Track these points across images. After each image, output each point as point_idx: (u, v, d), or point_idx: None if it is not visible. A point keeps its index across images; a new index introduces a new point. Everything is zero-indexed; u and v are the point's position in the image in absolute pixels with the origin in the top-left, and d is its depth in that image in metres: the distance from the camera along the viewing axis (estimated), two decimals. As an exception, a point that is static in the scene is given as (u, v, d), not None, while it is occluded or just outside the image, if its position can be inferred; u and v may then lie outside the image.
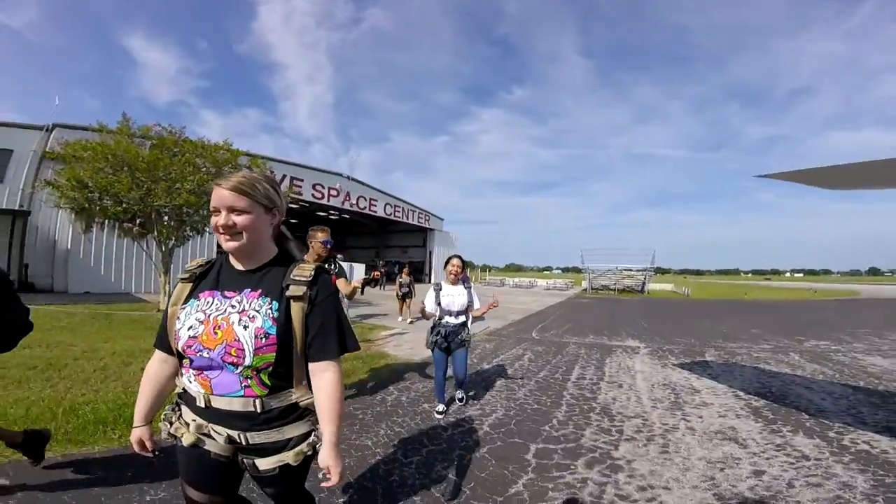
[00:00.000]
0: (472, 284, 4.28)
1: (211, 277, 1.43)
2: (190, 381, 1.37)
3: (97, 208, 9.16)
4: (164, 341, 1.44)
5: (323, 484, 1.38)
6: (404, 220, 31.61)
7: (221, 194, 1.33)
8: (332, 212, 28.50)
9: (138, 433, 1.48)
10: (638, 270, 31.33)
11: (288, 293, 1.35)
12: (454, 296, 4.09)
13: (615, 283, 30.75)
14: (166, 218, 9.73)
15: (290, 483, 1.48)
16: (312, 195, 23.07)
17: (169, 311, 1.40)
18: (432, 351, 4.14)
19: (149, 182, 8.73)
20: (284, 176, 20.41)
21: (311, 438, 1.39)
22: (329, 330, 1.37)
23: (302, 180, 22.00)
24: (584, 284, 32.38)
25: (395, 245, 38.27)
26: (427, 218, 34.13)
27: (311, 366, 1.37)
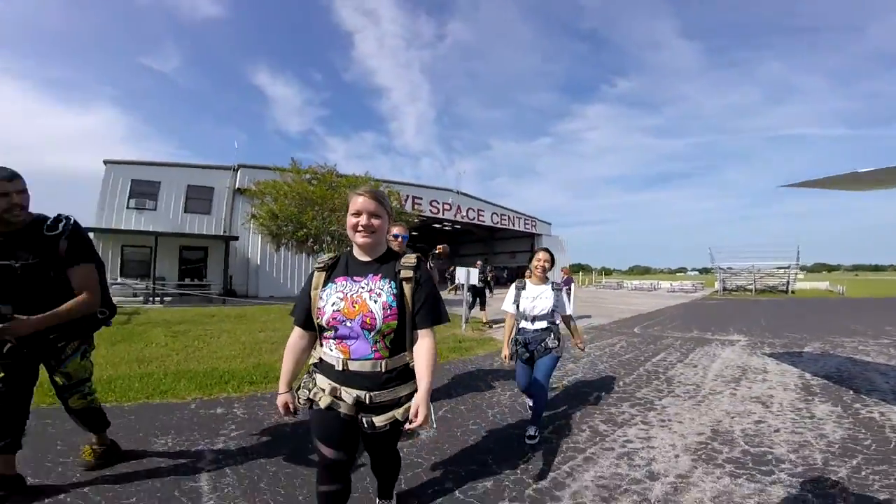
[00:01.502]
0: (572, 287, 4.10)
1: (341, 267, 1.79)
2: (331, 350, 1.73)
3: (284, 233, 12.82)
4: (304, 318, 1.79)
5: (407, 426, 1.66)
6: (510, 226, 33.34)
7: (364, 201, 1.72)
8: (445, 224, 31.56)
9: (284, 398, 1.80)
10: (781, 268, 28.15)
11: (401, 276, 1.74)
12: (537, 297, 3.50)
13: (752, 283, 28.09)
14: (329, 238, 13.09)
15: (392, 438, 1.86)
16: (430, 210, 26.31)
17: (312, 294, 1.76)
18: (515, 363, 3.63)
19: (326, 212, 12.15)
20: (408, 196, 23.80)
21: (414, 400, 1.69)
22: (429, 305, 1.76)
23: (421, 198, 25.48)
24: (717, 286, 30.14)
25: (502, 251, 40.07)
26: (533, 224, 35.31)
27: (415, 333, 1.74)
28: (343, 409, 1.71)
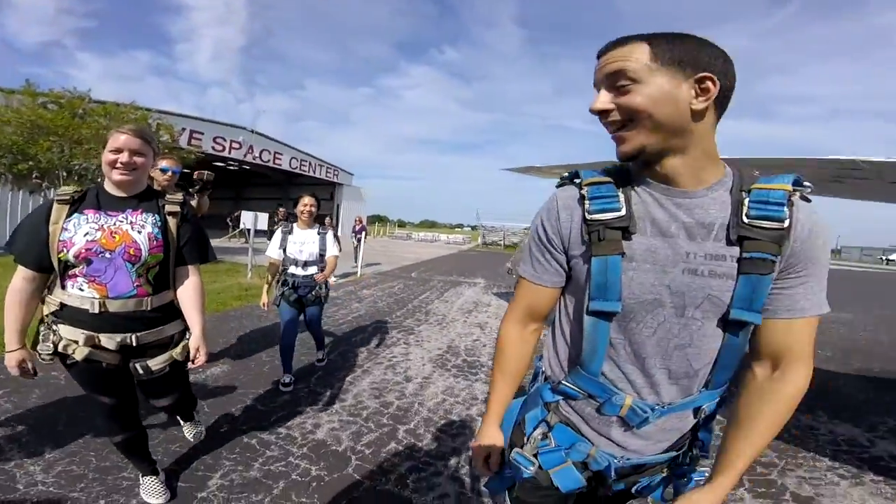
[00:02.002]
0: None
1: (90, 200, 1.62)
2: (81, 290, 1.55)
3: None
4: (33, 257, 1.54)
5: (192, 364, 1.68)
6: (311, 173, 32.59)
7: (127, 138, 1.60)
8: (230, 163, 28.62)
9: (18, 356, 1.56)
10: (524, 228, 36.39)
11: (166, 210, 1.69)
12: (305, 242, 3.59)
13: (502, 239, 35.56)
14: (66, 174, 10.77)
15: (176, 380, 1.82)
16: (212, 147, 23.39)
17: (49, 228, 1.53)
18: (277, 306, 3.63)
19: (68, 144, 9.88)
20: (184, 129, 20.62)
21: (188, 335, 1.71)
22: (194, 241, 1.74)
23: (202, 133, 22.30)
24: (479, 240, 36.94)
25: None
26: (336, 173, 35.34)
27: (180, 269, 1.72)
28: (107, 359, 1.61)
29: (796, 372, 0.87)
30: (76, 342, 1.57)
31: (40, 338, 1.61)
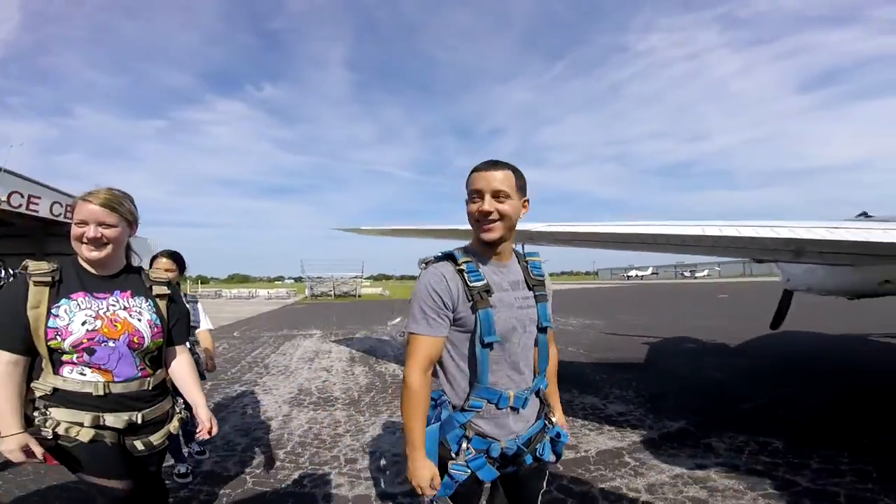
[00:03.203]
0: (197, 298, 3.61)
1: (72, 282, 1.58)
2: (83, 375, 1.55)
3: None
4: (19, 342, 1.49)
5: (207, 435, 1.79)
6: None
7: (91, 209, 1.54)
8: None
9: (21, 440, 1.47)
10: (352, 277, 37.05)
11: (154, 293, 1.73)
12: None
13: (332, 289, 35.40)
14: None
15: (162, 456, 1.82)
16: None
17: (30, 313, 1.48)
18: None
19: None
20: None
21: (178, 409, 1.81)
22: (182, 322, 1.83)
23: None
24: (307, 292, 35.86)
25: (67, 252, 31.49)
26: (119, 221, 30.05)
27: (170, 349, 1.79)
28: (108, 439, 1.58)
29: (555, 347, 1.61)
30: (80, 424, 1.53)
31: (36, 423, 1.52)
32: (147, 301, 1.71)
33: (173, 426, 1.76)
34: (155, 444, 1.68)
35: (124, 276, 1.71)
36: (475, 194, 1.35)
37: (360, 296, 36.17)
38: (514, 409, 1.42)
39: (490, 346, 1.35)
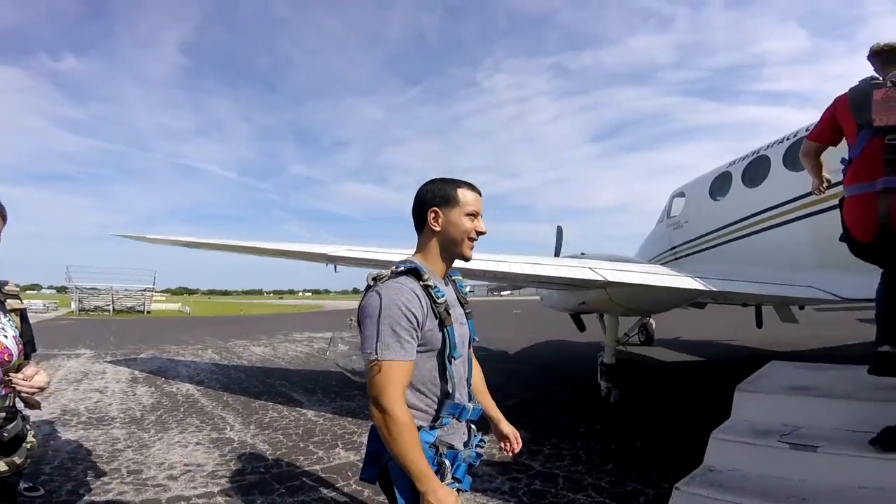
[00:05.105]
0: None
1: None
2: None
3: None
4: None
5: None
6: None
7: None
8: None
9: None
10: (140, 290, 31.72)
11: (9, 307, 1.70)
12: None
13: (111, 304, 29.64)
14: None
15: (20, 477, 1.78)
16: None
17: None
18: None
19: None
20: None
21: (29, 425, 1.73)
22: (31, 337, 1.79)
23: None
24: (73, 305, 29.19)
25: None
26: None
27: (27, 362, 1.73)
28: None
29: (475, 360, 1.64)
30: None
31: None
32: (5, 316, 1.67)
33: (30, 443, 1.72)
34: (18, 462, 1.63)
35: None
36: (473, 214, 1.43)
37: (149, 312, 31.14)
38: (469, 421, 1.48)
39: (456, 360, 1.39)
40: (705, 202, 6.28)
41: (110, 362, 9.22)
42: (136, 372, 8.26)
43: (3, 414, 1.57)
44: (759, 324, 8.46)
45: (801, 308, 6.24)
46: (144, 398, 6.29)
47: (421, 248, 1.46)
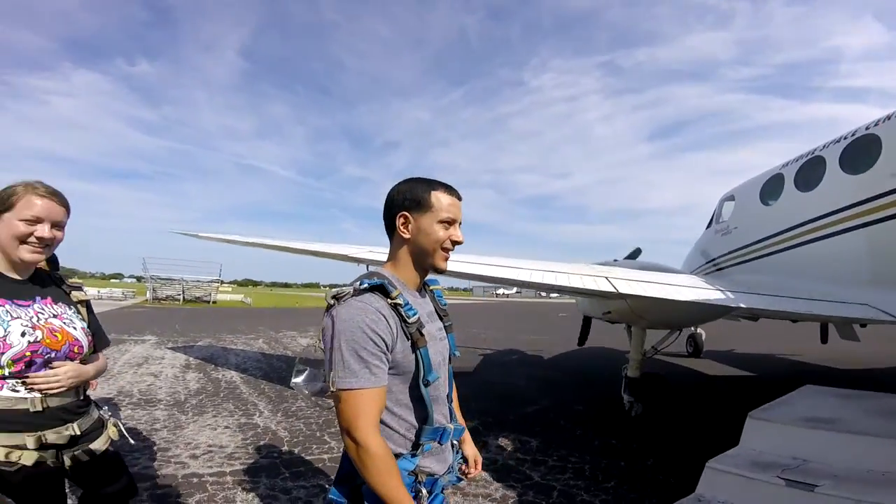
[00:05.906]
0: None
1: None
2: (16, 391, 1.42)
3: None
4: None
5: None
6: None
7: (51, 207, 1.42)
8: None
9: None
10: (208, 282, 34.22)
11: (74, 298, 1.67)
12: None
13: (180, 294, 32.25)
14: None
15: (121, 464, 1.78)
16: None
17: None
18: None
19: None
20: None
21: (107, 414, 1.74)
22: (100, 328, 1.77)
23: None
24: (148, 295, 32.13)
25: None
26: None
27: (93, 356, 1.70)
28: (49, 459, 1.47)
29: None
30: (21, 447, 1.39)
31: None
32: (71, 308, 1.64)
33: (112, 431, 1.70)
34: (99, 449, 1.61)
35: (39, 281, 1.59)
36: (448, 222, 1.29)
37: (214, 302, 33.57)
38: (452, 447, 1.41)
39: (431, 383, 1.26)
40: (755, 207, 5.82)
41: (170, 348, 10.09)
42: (191, 358, 8.97)
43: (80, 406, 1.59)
44: (825, 339, 7.72)
45: (863, 326, 5.63)
46: (192, 383, 6.83)
47: (391, 257, 1.34)
